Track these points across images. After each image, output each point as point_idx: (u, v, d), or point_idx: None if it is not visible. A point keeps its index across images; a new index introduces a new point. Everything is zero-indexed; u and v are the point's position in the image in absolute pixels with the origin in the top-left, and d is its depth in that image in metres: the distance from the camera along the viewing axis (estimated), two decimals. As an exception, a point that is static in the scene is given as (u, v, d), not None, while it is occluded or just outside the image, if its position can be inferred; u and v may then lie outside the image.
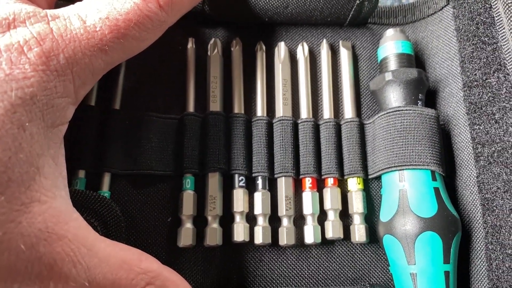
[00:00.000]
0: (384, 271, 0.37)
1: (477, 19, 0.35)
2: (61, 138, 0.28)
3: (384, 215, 0.36)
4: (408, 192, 0.35)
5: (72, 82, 0.27)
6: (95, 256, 0.26)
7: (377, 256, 0.38)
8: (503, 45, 0.33)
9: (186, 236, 0.35)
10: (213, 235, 0.36)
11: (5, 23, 0.26)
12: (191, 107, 0.39)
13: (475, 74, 0.36)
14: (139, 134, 0.37)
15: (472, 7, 0.36)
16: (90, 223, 0.33)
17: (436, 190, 0.35)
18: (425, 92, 0.39)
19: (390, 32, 0.41)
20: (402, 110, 0.37)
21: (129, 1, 0.29)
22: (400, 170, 0.36)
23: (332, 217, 0.37)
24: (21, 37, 0.25)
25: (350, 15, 0.41)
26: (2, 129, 0.23)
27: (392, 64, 0.39)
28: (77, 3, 0.29)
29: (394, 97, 0.38)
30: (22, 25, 0.26)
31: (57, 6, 0.35)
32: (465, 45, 0.37)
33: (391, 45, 0.40)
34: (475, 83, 0.36)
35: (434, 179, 0.36)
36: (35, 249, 0.24)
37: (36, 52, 0.25)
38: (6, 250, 0.23)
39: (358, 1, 0.40)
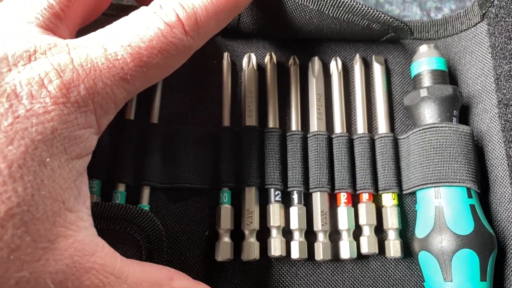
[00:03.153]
0: (417, 286, 0.38)
1: (515, 38, 0.36)
2: (85, 167, 0.27)
3: (420, 232, 0.36)
4: (445, 209, 0.36)
5: (94, 112, 0.27)
6: (124, 282, 0.26)
7: (410, 271, 0.38)
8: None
9: (224, 250, 0.36)
10: (251, 250, 0.36)
11: (26, 55, 0.25)
12: (226, 121, 0.39)
13: (512, 93, 0.36)
14: (176, 148, 0.38)
15: (510, 26, 0.36)
16: (133, 237, 0.33)
17: (472, 207, 0.36)
18: (459, 109, 0.39)
19: (424, 48, 0.41)
20: (438, 126, 0.37)
21: (152, 28, 0.28)
22: (436, 187, 0.36)
23: (368, 232, 0.38)
24: (42, 69, 0.25)
25: (384, 39, 0.42)
26: (23, 167, 0.23)
27: (427, 81, 0.40)
28: (99, 30, 0.28)
29: (429, 113, 0.39)
30: (42, 56, 0.26)
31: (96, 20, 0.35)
32: (501, 63, 0.38)
33: (425, 61, 0.40)
34: (512, 101, 0.36)
35: (470, 196, 0.36)
36: (64, 286, 0.23)
37: (57, 84, 0.25)
38: None
39: (392, 34, 0.40)
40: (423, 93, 0.39)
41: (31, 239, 0.23)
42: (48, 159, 0.24)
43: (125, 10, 0.41)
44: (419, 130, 0.38)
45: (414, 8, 0.48)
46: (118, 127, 0.37)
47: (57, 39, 0.27)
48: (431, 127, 0.38)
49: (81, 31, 0.32)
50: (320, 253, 0.37)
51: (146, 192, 0.36)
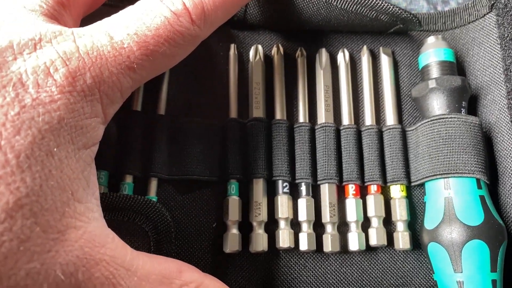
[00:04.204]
0: (426, 277, 0.38)
1: (525, 28, 0.35)
2: (92, 158, 0.27)
3: (429, 223, 0.36)
4: (454, 200, 0.35)
5: (100, 101, 0.26)
6: (134, 275, 0.26)
7: (419, 263, 0.38)
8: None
9: (232, 241, 0.36)
10: (259, 241, 0.36)
11: (31, 43, 0.25)
12: (234, 113, 0.39)
13: (522, 83, 0.36)
14: (184, 140, 0.38)
15: (519, 16, 0.36)
16: (141, 228, 0.33)
17: (482, 198, 0.35)
18: (468, 100, 0.39)
19: (431, 39, 0.41)
20: (446, 118, 0.37)
21: (159, 16, 0.28)
22: (445, 178, 0.36)
23: (376, 224, 0.37)
24: (48, 57, 0.25)
25: (392, 30, 0.42)
26: (31, 158, 0.22)
27: (435, 72, 0.39)
28: (105, 19, 0.28)
29: (437, 104, 0.38)
30: (48, 44, 0.25)
31: (101, 11, 0.35)
32: (510, 53, 0.37)
33: (433, 52, 0.40)
34: (522, 91, 0.36)
35: (479, 187, 0.36)
36: (74, 277, 0.23)
37: (63, 72, 0.24)
38: (45, 281, 0.22)
39: (400, 25, 0.40)
40: (432, 84, 0.39)
41: (40, 230, 0.22)
42: (55, 149, 0.24)
43: (129, 0, 0.40)
44: (428, 122, 0.38)
45: (421, 2, 0.48)
46: (125, 118, 0.36)
47: (62, 27, 0.27)
48: (439, 118, 0.37)
49: (84, 22, 0.32)
50: (329, 245, 0.36)
51: (153, 184, 0.36)
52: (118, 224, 0.32)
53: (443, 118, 0.37)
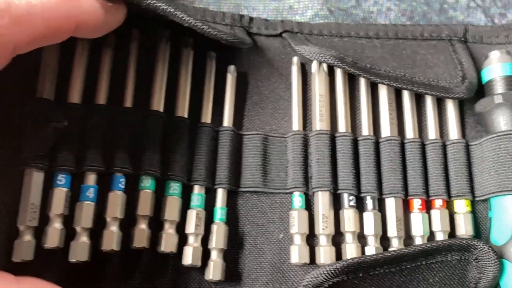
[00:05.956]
0: (491, 293, 0.37)
1: None
2: None
3: (496, 239, 0.36)
4: (524, 217, 0.35)
5: None
6: None
7: (483, 278, 0.38)
8: None
9: (301, 253, 0.36)
10: (327, 254, 0.36)
11: None
12: (298, 126, 0.40)
13: None
14: (251, 153, 0.38)
15: None
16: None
17: (552, 215, 0.35)
18: (535, 116, 0.39)
19: (496, 54, 0.41)
20: (514, 134, 0.37)
21: None
22: (514, 194, 0.36)
23: (441, 238, 0.37)
24: None
25: None
26: None
27: (500, 87, 0.39)
28: None
29: (504, 120, 0.38)
30: None
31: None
32: None
33: (497, 67, 0.40)
34: None
35: (549, 204, 0.36)
36: None
37: None
38: None
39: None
40: (498, 99, 0.38)
41: None
42: None
43: None
44: (494, 137, 0.38)
45: (478, 14, 0.48)
46: (193, 131, 0.37)
47: None
48: (506, 134, 0.37)
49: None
50: (396, 258, 0.37)
51: (223, 195, 0.37)
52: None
53: (510, 134, 0.37)
